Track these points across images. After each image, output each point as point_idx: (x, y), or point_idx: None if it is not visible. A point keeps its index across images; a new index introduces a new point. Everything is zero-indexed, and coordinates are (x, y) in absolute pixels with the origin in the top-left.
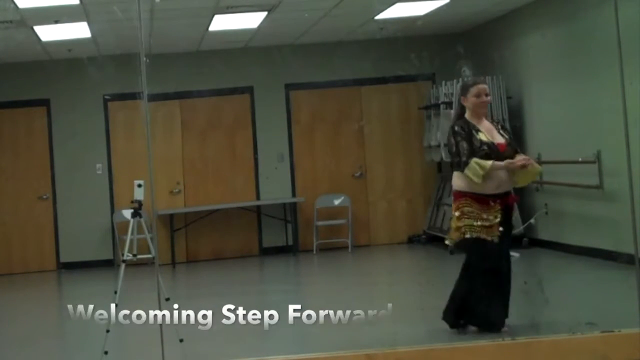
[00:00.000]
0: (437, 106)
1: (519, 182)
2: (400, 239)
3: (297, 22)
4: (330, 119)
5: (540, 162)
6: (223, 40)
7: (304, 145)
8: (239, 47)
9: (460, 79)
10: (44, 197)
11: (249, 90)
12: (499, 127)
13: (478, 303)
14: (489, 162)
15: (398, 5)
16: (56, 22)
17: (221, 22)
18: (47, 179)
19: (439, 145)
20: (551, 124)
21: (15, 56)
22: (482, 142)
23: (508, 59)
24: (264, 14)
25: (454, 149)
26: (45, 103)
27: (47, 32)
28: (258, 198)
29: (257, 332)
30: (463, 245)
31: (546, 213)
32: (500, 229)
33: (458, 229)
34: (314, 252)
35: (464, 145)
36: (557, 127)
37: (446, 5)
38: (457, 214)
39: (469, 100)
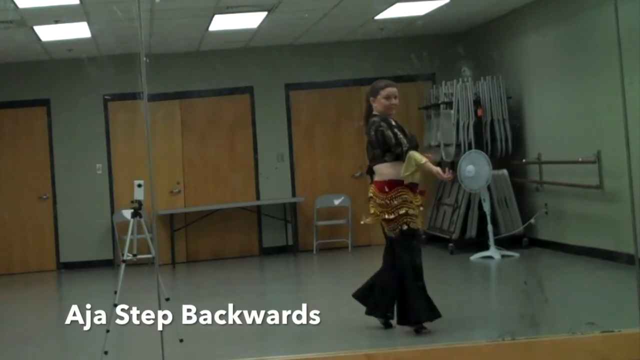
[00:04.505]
0: (437, 106)
1: (404, 174)
2: None
3: (297, 22)
4: (330, 119)
5: (540, 162)
6: (223, 40)
7: (304, 145)
8: (239, 47)
9: (460, 78)
10: (44, 197)
11: (249, 90)
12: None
13: (416, 298)
14: (425, 158)
15: (398, 5)
16: (56, 22)
17: (221, 22)
18: (47, 179)
19: (439, 145)
20: (551, 124)
21: (15, 56)
22: (411, 135)
23: (508, 59)
24: (264, 14)
25: (393, 140)
26: (45, 103)
27: (47, 32)
28: (258, 198)
29: (257, 332)
30: (405, 236)
31: (546, 213)
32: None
33: (397, 219)
34: (314, 252)
35: (401, 136)
36: (557, 127)
37: (446, 5)
38: (395, 202)
39: (379, 102)
